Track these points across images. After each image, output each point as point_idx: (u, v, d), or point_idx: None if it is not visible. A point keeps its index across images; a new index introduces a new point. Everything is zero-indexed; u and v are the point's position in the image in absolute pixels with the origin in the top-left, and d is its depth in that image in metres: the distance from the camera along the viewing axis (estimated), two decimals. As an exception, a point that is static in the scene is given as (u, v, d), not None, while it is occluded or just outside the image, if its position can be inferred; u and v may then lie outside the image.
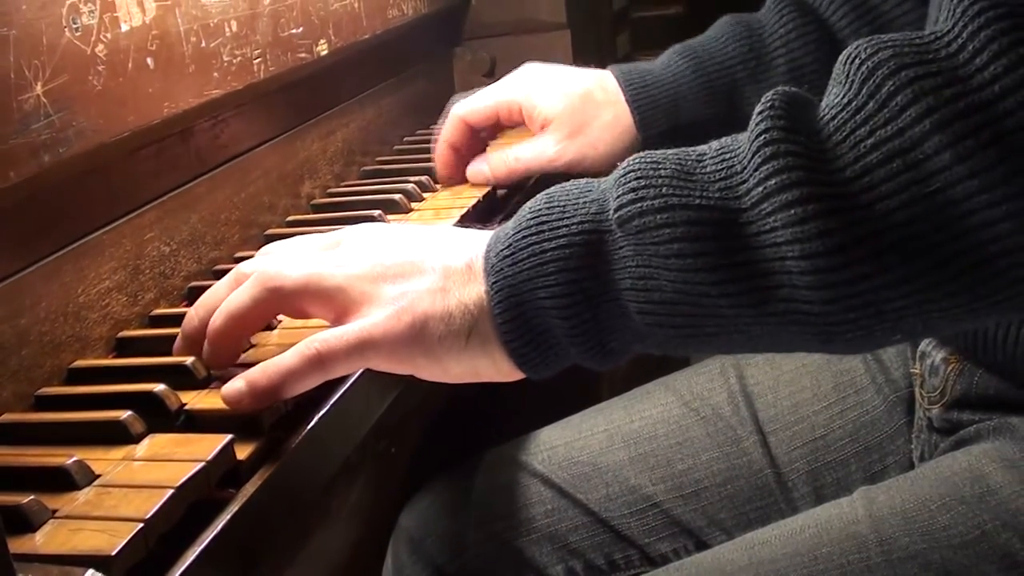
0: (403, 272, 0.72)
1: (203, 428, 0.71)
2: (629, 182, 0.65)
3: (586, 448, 1.14)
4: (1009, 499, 0.85)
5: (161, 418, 0.71)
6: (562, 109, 1.13)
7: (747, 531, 0.97)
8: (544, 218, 0.68)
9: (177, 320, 0.88)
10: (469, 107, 1.17)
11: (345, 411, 0.77)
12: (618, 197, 0.65)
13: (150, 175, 0.92)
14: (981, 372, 0.92)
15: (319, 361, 0.70)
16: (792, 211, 0.59)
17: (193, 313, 0.78)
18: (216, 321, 0.75)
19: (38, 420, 0.74)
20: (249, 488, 0.66)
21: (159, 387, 0.72)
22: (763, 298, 0.61)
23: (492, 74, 1.63)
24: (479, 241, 0.72)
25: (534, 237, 0.68)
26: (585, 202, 0.67)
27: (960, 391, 0.94)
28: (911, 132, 0.57)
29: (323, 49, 1.16)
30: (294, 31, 1.10)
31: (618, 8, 1.91)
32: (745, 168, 0.62)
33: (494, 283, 0.68)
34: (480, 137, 1.21)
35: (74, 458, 0.65)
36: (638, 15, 1.97)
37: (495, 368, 0.71)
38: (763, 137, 0.60)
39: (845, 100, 0.60)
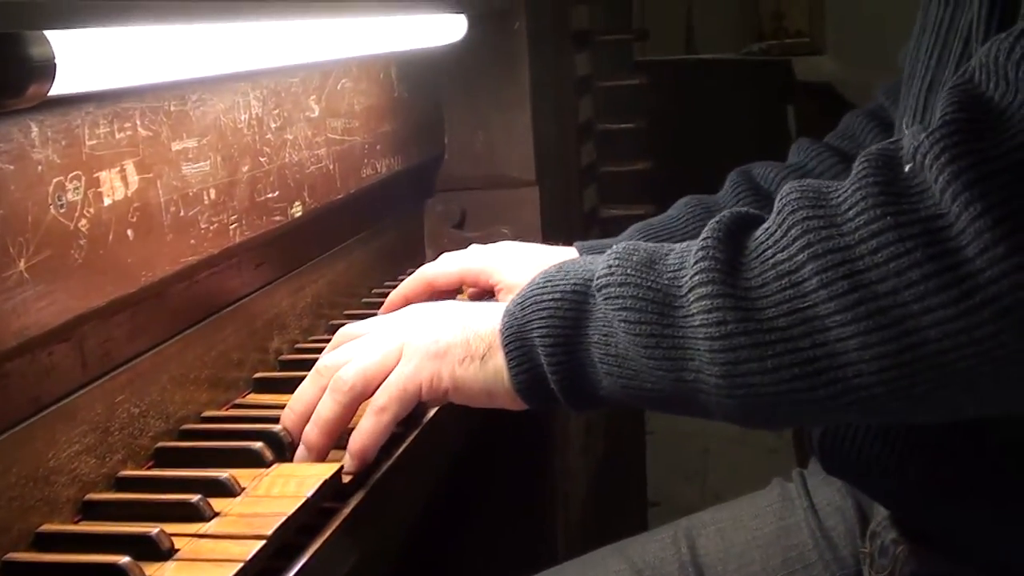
0: (431, 327, 0.92)
1: (165, 603, 0.72)
2: (610, 260, 0.83)
3: (539, 614, 1.15)
4: None
5: (125, 591, 0.73)
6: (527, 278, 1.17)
7: None
8: (550, 279, 0.88)
9: (143, 484, 0.90)
10: (437, 271, 1.23)
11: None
12: (600, 270, 0.83)
13: (124, 339, 0.94)
14: (930, 554, 0.94)
15: (381, 411, 0.90)
16: (704, 302, 0.75)
17: (291, 411, 0.95)
18: (312, 431, 0.91)
19: (2, 593, 0.75)
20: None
21: (123, 559, 0.73)
22: (680, 366, 0.78)
23: (462, 225, 1.67)
24: (499, 307, 0.91)
25: (539, 292, 0.87)
26: (581, 270, 0.87)
27: (909, 572, 0.96)
28: (796, 258, 0.72)
29: (297, 211, 1.20)
30: (270, 195, 1.14)
31: (586, 163, 1.96)
32: (688, 265, 0.78)
33: (506, 322, 0.88)
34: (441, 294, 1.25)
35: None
36: (605, 170, 2.02)
37: (504, 391, 0.89)
38: (702, 243, 0.78)
39: (766, 226, 0.76)
